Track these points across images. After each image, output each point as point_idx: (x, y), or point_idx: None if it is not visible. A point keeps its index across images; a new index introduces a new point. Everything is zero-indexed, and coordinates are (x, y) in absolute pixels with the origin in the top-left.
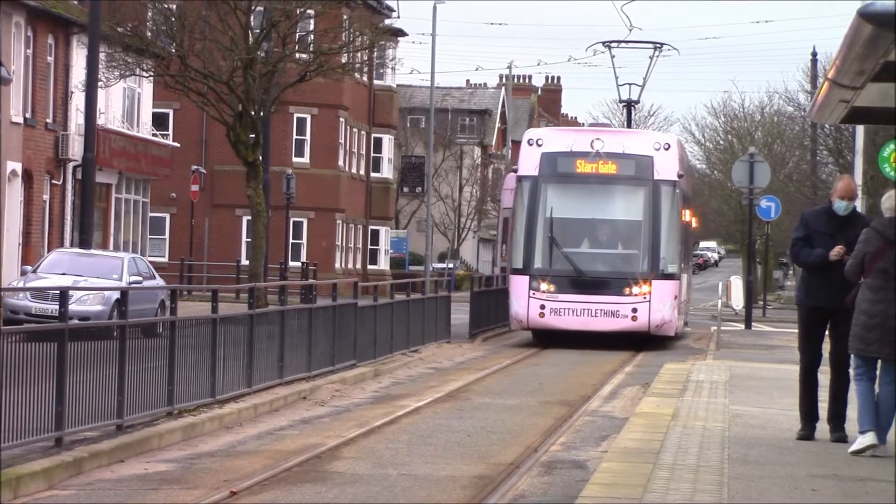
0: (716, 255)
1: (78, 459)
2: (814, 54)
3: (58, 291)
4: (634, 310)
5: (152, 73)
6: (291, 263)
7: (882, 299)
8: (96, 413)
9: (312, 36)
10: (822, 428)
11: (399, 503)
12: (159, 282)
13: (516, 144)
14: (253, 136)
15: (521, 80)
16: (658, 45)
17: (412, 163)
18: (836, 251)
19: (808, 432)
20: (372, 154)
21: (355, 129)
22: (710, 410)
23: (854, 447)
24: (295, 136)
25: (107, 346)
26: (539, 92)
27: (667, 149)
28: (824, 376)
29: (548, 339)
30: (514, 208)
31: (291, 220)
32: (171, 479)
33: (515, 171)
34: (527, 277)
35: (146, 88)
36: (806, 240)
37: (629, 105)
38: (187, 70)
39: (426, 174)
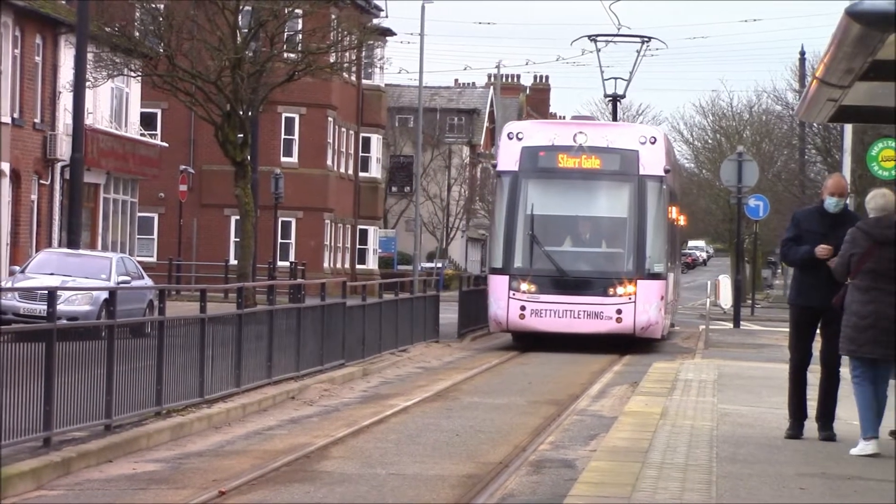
0: (704, 255)
1: (66, 459)
2: (802, 53)
3: (46, 291)
4: (619, 311)
5: (140, 73)
6: (280, 263)
7: (873, 300)
8: (85, 413)
9: (300, 35)
10: (811, 426)
11: (388, 503)
12: (148, 282)
13: None
14: (241, 135)
15: (510, 80)
16: (646, 39)
17: (401, 162)
18: (823, 251)
19: (796, 431)
20: (360, 154)
21: (344, 129)
22: (699, 409)
23: (856, 451)
24: (283, 136)
25: (95, 346)
26: (527, 91)
27: (653, 143)
28: (813, 375)
29: (528, 342)
30: (493, 205)
31: (280, 220)
32: (160, 478)
33: (494, 166)
34: (506, 277)
35: (134, 88)
36: (796, 240)
37: (615, 99)
38: (175, 70)
39: (415, 174)
